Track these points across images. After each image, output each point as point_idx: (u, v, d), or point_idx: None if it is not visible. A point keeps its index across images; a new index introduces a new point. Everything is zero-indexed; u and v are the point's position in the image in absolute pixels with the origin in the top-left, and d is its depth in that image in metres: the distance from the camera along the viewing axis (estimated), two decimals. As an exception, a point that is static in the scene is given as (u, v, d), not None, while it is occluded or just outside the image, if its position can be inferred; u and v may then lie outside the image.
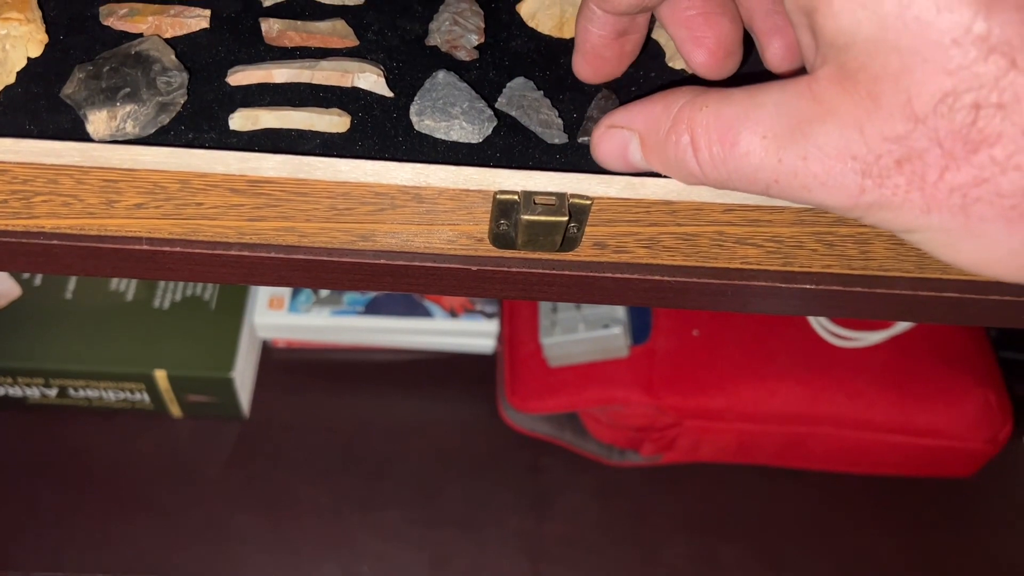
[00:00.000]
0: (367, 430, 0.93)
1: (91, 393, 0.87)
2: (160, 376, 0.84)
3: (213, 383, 0.86)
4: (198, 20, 0.45)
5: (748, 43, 0.44)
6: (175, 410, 0.90)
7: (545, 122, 0.44)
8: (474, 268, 0.44)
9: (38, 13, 0.44)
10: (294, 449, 0.92)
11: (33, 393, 0.87)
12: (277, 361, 0.97)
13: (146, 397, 0.87)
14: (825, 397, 0.86)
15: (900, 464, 0.91)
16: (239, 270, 0.44)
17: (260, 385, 0.95)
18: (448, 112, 0.43)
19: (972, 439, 0.88)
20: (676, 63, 0.47)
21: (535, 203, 0.40)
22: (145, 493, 0.89)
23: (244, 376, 0.90)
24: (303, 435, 0.93)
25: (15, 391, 0.87)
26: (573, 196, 0.40)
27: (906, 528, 0.92)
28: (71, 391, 0.87)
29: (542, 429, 0.90)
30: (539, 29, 0.48)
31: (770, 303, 0.46)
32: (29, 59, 0.43)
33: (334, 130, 0.42)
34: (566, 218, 0.40)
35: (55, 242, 0.42)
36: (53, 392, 0.87)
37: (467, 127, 0.43)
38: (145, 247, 0.42)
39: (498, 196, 0.40)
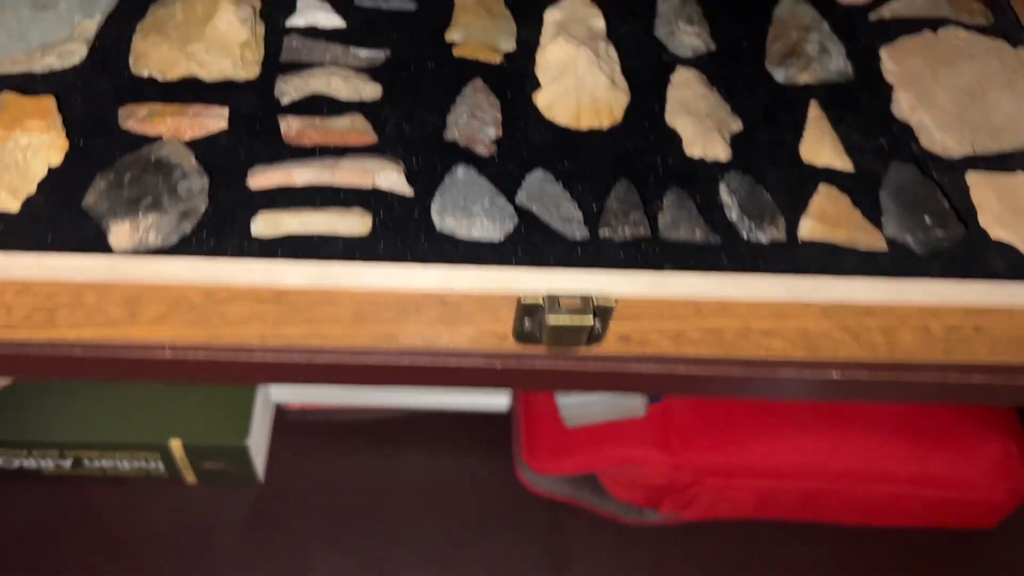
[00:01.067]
0: (383, 492, 0.92)
1: (106, 463, 0.86)
2: (175, 445, 0.84)
3: (228, 451, 0.85)
4: (217, 121, 0.45)
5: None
6: (190, 477, 0.89)
7: (566, 218, 0.44)
8: (498, 365, 0.44)
9: (58, 119, 0.44)
10: (310, 513, 0.91)
11: (48, 464, 0.86)
12: (291, 424, 0.96)
13: (161, 466, 0.87)
14: (843, 450, 0.86)
15: (921, 516, 0.91)
16: (262, 372, 0.44)
17: (274, 449, 0.94)
18: (469, 210, 0.43)
19: (992, 490, 0.87)
20: (693, 150, 0.47)
21: (559, 305, 0.40)
22: (161, 560, 0.88)
23: (259, 442, 0.89)
24: (319, 499, 0.92)
25: (30, 463, 0.86)
26: (599, 298, 0.40)
27: (929, 580, 0.91)
28: (86, 461, 0.86)
29: (560, 490, 0.89)
30: (556, 120, 0.48)
31: (795, 389, 0.46)
32: (50, 167, 0.43)
33: (356, 232, 0.42)
34: (591, 322, 0.40)
35: (78, 352, 0.42)
36: (68, 463, 0.86)
37: (488, 225, 0.43)
38: (168, 355, 0.42)
39: (522, 300, 0.40)
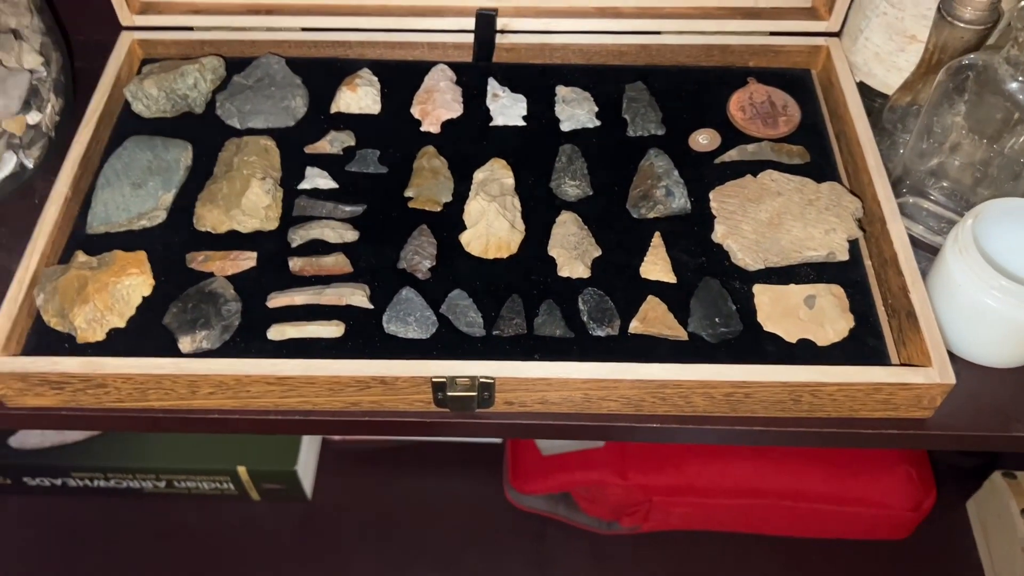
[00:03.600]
0: (403, 507, 1.16)
1: (190, 484, 1.12)
2: (241, 471, 1.09)
3: (282, 475, 1.10)
4: (248, 261, 0.69)
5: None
6: (254, 495, 1.14)
7: (470, 323, 0.66)
8: (428, 420, 0.66)
9: (148, 266, 0.69)
10: (347, 523, 1.15)
11: (147, 485, 1.13)
12: (334, 452, 1.21)
13: (231, 486, 1.12)
14: (768, 474, 1.05)
15: (841, 529, 1.09)
16: (277, 427, 0.67)
17: (320, 472, 1.19)
18: (406, 321, 0.66)
19: (898, 507, 1.06)
20: (564, 272, 0.69)
21: (456, 384, 0.63)
22: (231, 560, 1.13)
23: (307, 467, 1.14)
24: (354, 512, 1.16)
25: (134, 484, 1.12)
26: (482, 377, 0.63)
27: (854, 583, 1.10)
28: (175, 483, 1.12)
29: (541, 506, 1.11)
30: (472, 253, 0.71)
31: (630, 435, 0.67)
32: (144, 297, 0.68)
33: (333, 336, 0.66)
34: (475, 393, 0.63)
35: (159, 415, 0.66)
36: (162, 484, 1.12)
37: (418, 330, 0.66)
38: (216, 416, 0.66)
39: (433, 380, 0.63)
